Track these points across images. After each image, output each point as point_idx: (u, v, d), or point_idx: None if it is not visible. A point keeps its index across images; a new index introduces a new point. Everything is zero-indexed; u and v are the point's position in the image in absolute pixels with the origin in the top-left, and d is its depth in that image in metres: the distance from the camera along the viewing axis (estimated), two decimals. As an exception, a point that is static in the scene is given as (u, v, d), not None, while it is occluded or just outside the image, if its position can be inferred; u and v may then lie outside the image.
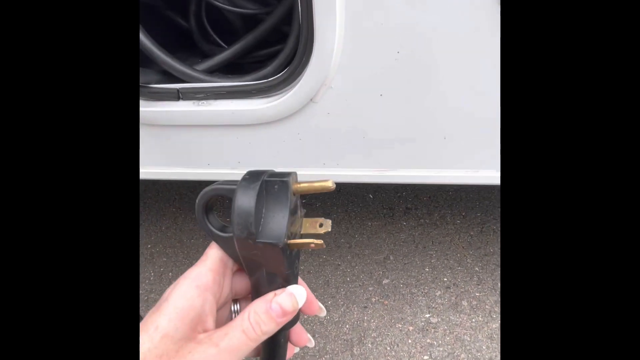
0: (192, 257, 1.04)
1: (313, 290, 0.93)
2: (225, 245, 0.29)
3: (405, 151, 0.56)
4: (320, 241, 0.28)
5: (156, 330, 0.26)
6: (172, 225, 1.16)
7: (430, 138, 0.54)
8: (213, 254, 0.30)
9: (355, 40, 0.48)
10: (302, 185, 0.28)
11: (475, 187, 1.17)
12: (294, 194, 0.28)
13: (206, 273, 0.29)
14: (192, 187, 1.31)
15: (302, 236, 0.31)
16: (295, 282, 0.30)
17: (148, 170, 0.67)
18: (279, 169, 0.30)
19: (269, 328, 0.27)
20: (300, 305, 0.29)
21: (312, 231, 0.30)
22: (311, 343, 0.34)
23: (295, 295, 0.29)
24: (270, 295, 0.28)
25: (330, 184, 0.27)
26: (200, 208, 0.29)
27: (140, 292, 0.99)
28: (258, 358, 0.33)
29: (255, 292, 0.30)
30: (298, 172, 0.30)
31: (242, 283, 0.32)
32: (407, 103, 0.52)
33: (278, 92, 0.55)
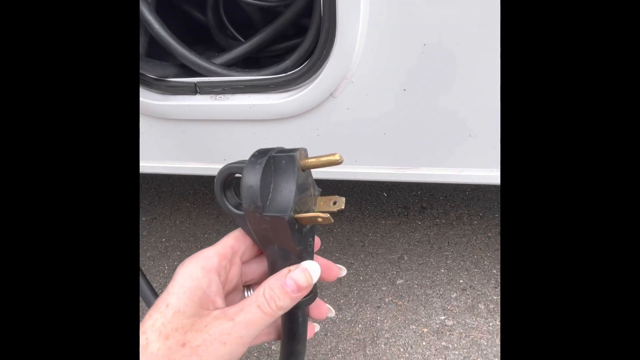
0: (205, 251, 1.05)
1: (325, 288, 0.92)
2: (240, 221, 0.30)
3: (427, 149, 0.54)
4: (326, 215, 0.27)
5: (167, 307, 0.27)
6: (186, 220, 1.17)
7: (455, 136, 0.52)
8: (225, 241, 0.30)
9: (380, 32, 0.46)
10: (309, 160, 0.28)
11: (496, 187, 1.13)
12: (303, 170, 0.28)
13: (212, 256, 0.29)
14: (206, 182, 1.31)
15: None
16: (311, 260, 0.30)
17: (164, 164, 0.66)
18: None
19: (284, 303, 0.27)
20: (314, 280, 0.29)
21: (325, 209, 0.30)
22: (332, 313, 0.34)
23: (309, 271, 0.28)
24: (284, 271, 0.28)
25: (337, 157, 0.27)
26: (218, 186, 0.30)
27: (155, 285, 1.00)
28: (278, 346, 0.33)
29: (271, 269, 0.30)
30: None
31: (255, 271, 0.33)
32: (432, 99, 0.50)
33: (297, 87, 0.54)
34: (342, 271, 0.33)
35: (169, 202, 1.26)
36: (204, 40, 0.83)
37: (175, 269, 1.04)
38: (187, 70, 0.61)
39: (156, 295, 0.50)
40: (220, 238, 0.31)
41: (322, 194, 0.31)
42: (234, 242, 0.30)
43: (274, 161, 0.28)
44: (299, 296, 0.28)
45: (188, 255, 1.01)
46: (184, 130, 0.62)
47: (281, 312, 0.27)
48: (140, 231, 1.17)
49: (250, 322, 0.26)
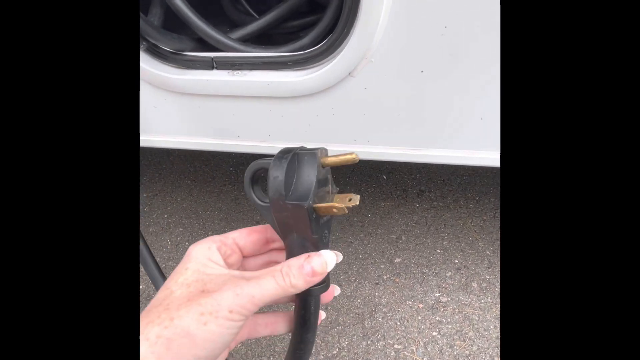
0: (207, 227, 1.06)
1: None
2: (265, 212, 0.33)
3: (439, 130, 0.56)
4: (341, 205, 0.30)
5: (187, 269, 0.30)
6: (188, 197, 1.17)
7: (467, 118, 0.54)
8: (229, 233, 0.35)
9: (402, 12, 0.47)
10: (329, 158, 0.32)
11: (493, 171, 1.17)
12: (323, 166, 0.32)
13: (216, 240, 0.33)
14: (207, 159, 1.31)
15: None
16: (326, 249, 0.33)
17: (177, 139, 0.67)
18: (309, 144, 0.33)
19: (298, 282, 0.30)
20: (329, 269, 0.32)
21: (341, 205, 0.33)
22: (337, 290, 0.38)
23: (326, 259, 0.32)
24: (304, 255, 0.31)
25: (354, 156, 0.30)
26: (248, 180, 0.33)
27: (158, 259, 1.01)
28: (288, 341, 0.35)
29: (289, 256, 0.33)
30: (328, 147, 0.32)
31: (254, 266, 0.36)
32: (448, 81, 0.51)
33: (316, 65, 0.55)
34: (337, 290, 0.37)
35: (169, 180, 1.26)
36: (213, 15, 0.82)
37: (177, 244, 1.05)
38: (204, 44, 0.60)
39: (157, 265, 0.52)
40: (222, 216, 0.34)
41: (339, 192, 0.34)
42: (236, 235, 0.34)
43: (298, 157, 0.31)
44: (312, 280, 0.30)
45: (190, 232, 1.03)
46: (200, 105, 0.62)
47: (293, 291, 0.30)
48: (141, 207, 1.17)
49: (262, 286, 0.29)
